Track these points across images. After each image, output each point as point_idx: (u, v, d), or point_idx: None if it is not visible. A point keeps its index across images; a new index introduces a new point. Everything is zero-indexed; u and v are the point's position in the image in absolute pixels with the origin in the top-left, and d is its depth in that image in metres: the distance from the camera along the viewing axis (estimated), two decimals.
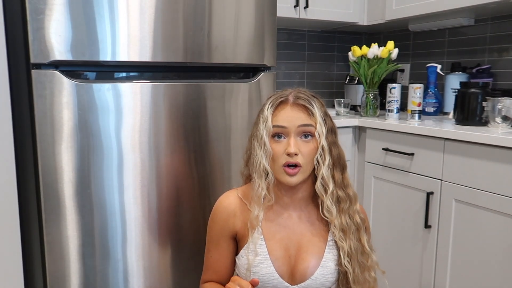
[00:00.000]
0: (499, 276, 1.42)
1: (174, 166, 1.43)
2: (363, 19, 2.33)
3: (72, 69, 1.29)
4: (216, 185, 1.51)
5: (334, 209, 1.01)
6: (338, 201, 1.02)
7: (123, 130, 1.34)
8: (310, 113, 0.99)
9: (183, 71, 1.49)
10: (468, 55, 2.16)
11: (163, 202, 1.42)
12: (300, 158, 0.98)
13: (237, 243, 1.10)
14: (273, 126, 0.98)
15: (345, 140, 1.99)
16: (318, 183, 1.01)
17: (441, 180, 1.60)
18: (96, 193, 1.32)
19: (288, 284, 1.03)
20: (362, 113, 2.15)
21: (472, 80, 2.01)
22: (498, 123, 1.54)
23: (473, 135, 1.45)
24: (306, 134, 0.99)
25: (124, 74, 1.40)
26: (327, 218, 1.02)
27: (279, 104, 1.01)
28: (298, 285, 1.03)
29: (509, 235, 1.38)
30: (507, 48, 1.98)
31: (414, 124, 1.73)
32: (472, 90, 1.68)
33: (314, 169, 1.02)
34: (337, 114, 2.20)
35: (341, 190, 1.02)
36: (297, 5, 2.13)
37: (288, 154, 0.97)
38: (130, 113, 1.34)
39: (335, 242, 1.04)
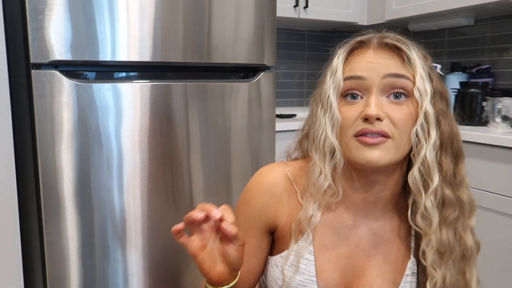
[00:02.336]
0: (499, 276, 1.42)
1: (174, 166, 1.43)
2: (363, 19, 2.33)
3: (72, 69, 1.29)
4: (216, 184, 1.51)
5: (435, 216, 0.64)
6: (442, 204, 0.66)
7: (123, 130, 1.34)
8: (406, 60, 0.65)
9: (183, 71, 1.49)
10: (468, 55, 2.16)
11: (163, 202, 1.42)
12: (387, 125, 0.62)
13: (273, 239, 0.76)
14: (345, 79, 0.65)
15: None
16: (415, 171, 0.63)
17: None
18: (96, 193, 1.32)
19: None
20: None
21: (472, 80, 2.01)
22: (498, 123, 1.54)
23: (473, 135, 1.45)
24: (398, 92, 0.64)
25: (124, 74, 1.40)
26: (419, 229, 0.66)
27: (356, 48, 0.68)
28: None
29: (509, 235, 1.38)
30: (507, 48, 1.98)
31: None
32: (472, 90, 1.68)
33: (408, 154, 0.66)
34: None
35: (450, 189, 0.66)
36: (297, 5, 2.13)
37: (366, 119, 0.62)
38: (130, 113, 1.34)
39: (421, 271, 0.69)
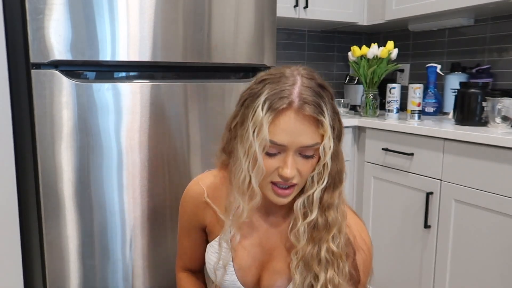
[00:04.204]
0: (499, 276, 1.42)
1: (174, 166, 1.43)
2: (363, 19, 2.33)
3: (72, 69, 1.29)
4: None
5: (304, 238, 0.82)
6: (314, 227, 0.83)
7: (123, 130, 1.34)
8: (320, 125, 0.76)
9: (182, 71, 1.49)
10: (467, 55, 2.16)
11: (163, 202, 1.42)
12: (297, 178, 0.79)
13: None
14: (270, 141, 0.75)
15: (345, 140, 1.98)
16: (299, 201, 0.81)
17: (440, 180, 1.60)
18: (95, 193, 1.32)
19: None
20: (361, 113, 2.15)
21: (471, 80, 2.01)
22: (497, 123, 1.54)
23: (472, 135, 1.45)
24: (309, 153, 0.78)
25: (123, 74, 1.40)
26: (293, 241, 0.84)
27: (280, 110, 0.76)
28: None
29: (509, 235, 1.38)
30: (507, 48, 1.98)
31: (413, 124, 1.73)
32: (472, 90, 1.68)
33: None
34: None
35: (322, 216, 0.82)
36: (296, 5, 2.13)
37: (282, 176, 0.77)
38: (130, 113, 1.34)
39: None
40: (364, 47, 2.04)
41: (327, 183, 0.80)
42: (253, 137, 0.76)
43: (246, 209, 0.82)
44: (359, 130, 2.03)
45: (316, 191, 0.80)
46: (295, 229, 0.82)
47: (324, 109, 0.76)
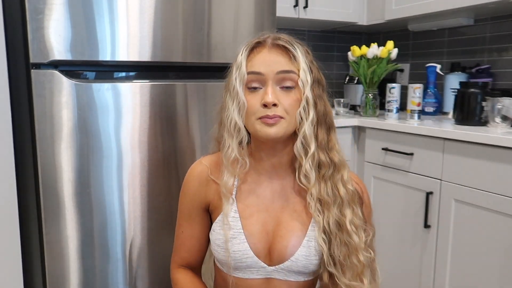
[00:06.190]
0: (499, 276, 1.42)
1: (174, 166, 1.43)
2: (362, 19, 2.33)
3: (72, 69, 1.29)
4: None
5: (313, 175, 0.86)
6: (318, 165, 0.87)
7: (123, 129, 1.34)
8: (292, 58, 0.85)
9: (182, 71, 1.49)
10: (467, 55, 2.16)
11: (163, 201, 1.42)
12: (281, 109, 0.83)
13: (210, 216, 0.99)
14: (248, 73, 0.84)
15: (345, 140, 1.99)
16: (298, 143, 0.86)
17: (440, 180, 1.60)
18: (95, 192, 1.32)
19: (265, 265, 0.89)
20: (361, 113, 2.15)
21: (471, 80, 2.01)
22: (497, 123, 1.54)
23: (472, 135, 1.45)
24: (287, 83, 0.85)
25: (123, 74, 1.40)
26: (303, 185, 0.88)
27: (255, 47, 0.87)
28: (277, 266, 0.89)
29: (509, 235, 1.38)
30: (507, 48, 1.98)
31: (413, 124, 1.73)
32: (472, 90, 1.68)
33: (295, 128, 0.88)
34: (337, 114, 2.20)
35: (324, 154, 0.87)
36: (296, 5, 2.13)
37: (265, 105, 0.82)
38: (130, 112, 1.34)
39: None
40: (364, 47, 2.04)
41: (313, 117, 0.85)
42: (235, 77, 0.85)
43: (234, 147, 0.86)
44: (359, 130, 2.04)
45: (306, 126, 0.85)
46: (302, 169, 0.86)
47: (297, 48, 0.86)
